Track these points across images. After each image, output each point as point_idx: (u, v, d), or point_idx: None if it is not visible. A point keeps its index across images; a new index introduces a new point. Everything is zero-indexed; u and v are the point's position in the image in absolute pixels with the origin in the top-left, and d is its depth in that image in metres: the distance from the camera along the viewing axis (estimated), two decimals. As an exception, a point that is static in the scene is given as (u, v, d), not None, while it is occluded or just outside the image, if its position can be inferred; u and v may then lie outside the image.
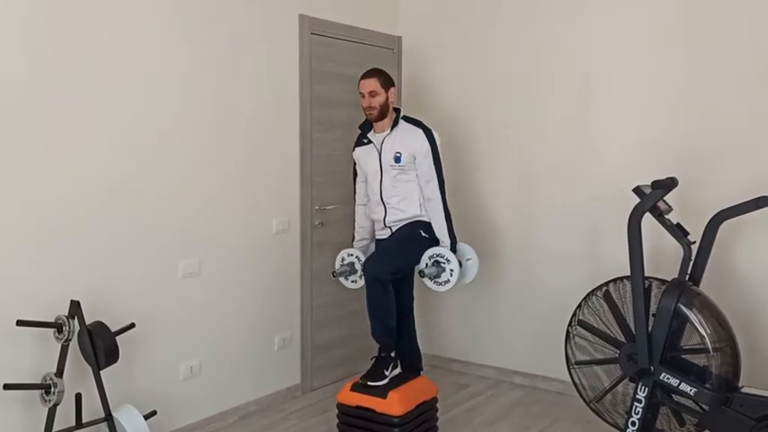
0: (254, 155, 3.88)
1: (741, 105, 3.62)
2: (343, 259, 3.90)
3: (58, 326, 2.92)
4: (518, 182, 4.39)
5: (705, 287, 3.28)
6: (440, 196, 3.62)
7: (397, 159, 3.60)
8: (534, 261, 4.34)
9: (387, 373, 3.53)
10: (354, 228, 3.91)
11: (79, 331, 2.96)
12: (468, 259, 3.72)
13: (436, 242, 3.62)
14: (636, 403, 3.21)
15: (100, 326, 3.00)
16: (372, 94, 3.60)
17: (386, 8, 4.75)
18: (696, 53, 3.74)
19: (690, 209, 3.56)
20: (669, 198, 3.28)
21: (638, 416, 3.19)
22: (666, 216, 3.29)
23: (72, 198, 3.09)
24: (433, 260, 3.59)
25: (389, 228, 3.69)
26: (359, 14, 4.49)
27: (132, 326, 3.15)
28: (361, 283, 3.80)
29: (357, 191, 3.89)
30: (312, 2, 4.16)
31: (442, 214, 3.61)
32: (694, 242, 3.24)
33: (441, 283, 3.59)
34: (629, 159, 3.95)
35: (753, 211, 3.12)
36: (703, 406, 3.10)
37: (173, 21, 3.44)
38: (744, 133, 3.61)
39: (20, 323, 2.82)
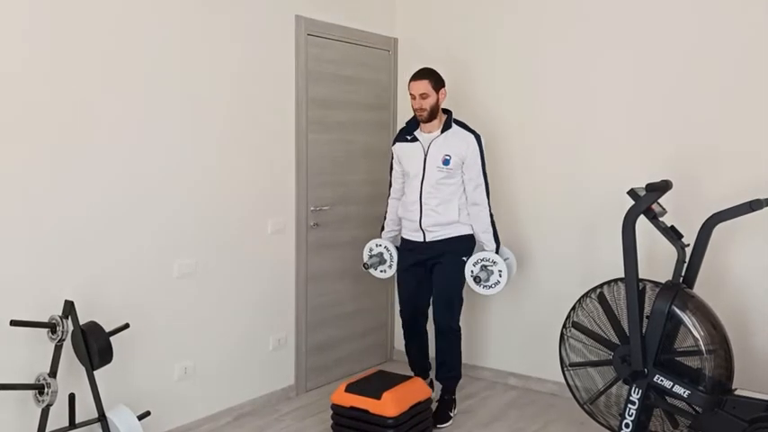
0: (250, 155, 3.88)
1: (736, 108, 3.63)
2: (371, 249, 3.98)
3: (51, 326, 2.92)
4: (513, 183, 4.39)
5: (699, 290, 3.29)
6: (486, 201, 3.71)
7: (446, 162, 3.62)
8: (529, 263, 4.34)
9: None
10: (385, 219, 4.00)
11: (73, 331, 2.96)
12: (506, 259, 3.79)
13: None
14: (629, 405, 3.21)
15: (94, 326, 3.00)
16: (423, 96, 3.62)
17: (382, 10, 4.75)
18: (691, 56, 3.74)
19: (684, 211, 3.57)
20: (663, 200, 3.29)
21: (632, 418, 3.20)
22: (661, 218, 3.30)
23: (66, 198, 3.08)
24: (479, 265, 3.67)
25: (423, 231, 3.72)
26: (355, 16, 4.50)
27: (126, 326, 3.14)
28: (391, 272, 3.99)
29: (393, 184, 3.93)
30: (309, 3, 4.16)
31: (488, 219, 3.70)
32: (688, 245, 3.25)
33: (491, 286, 3.68)
34: (623, 162, 3.95)
35: (746, 213, 3.13)
36: (697, 408, 3.11)
37: (168, 22, 3.44)
38: (738, 136, 3.62)
39: (13, 323, 2.82)
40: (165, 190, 3.47)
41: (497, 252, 3.72)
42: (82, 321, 3.00)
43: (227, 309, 3.81)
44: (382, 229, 4.05)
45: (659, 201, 3.25)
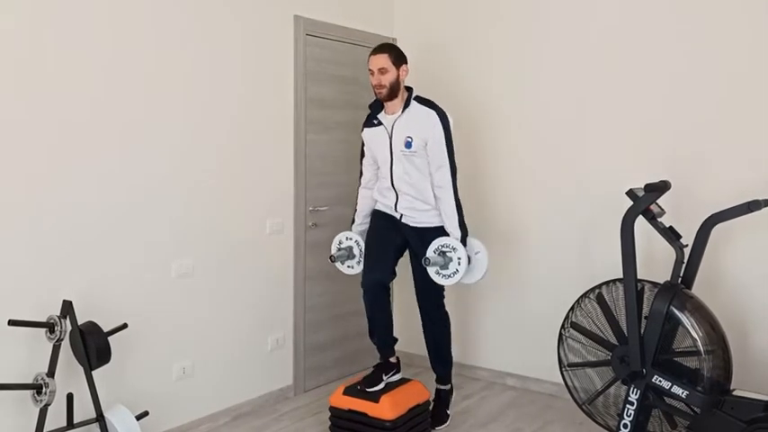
0: (247, 156, 3.88)
1: (735, 109, 3.63)
2: (340, 242, 3.77)
3: (49, 326, 2.91)
4: (510, 184, 4.40)
5: (697, 290, 3.29)
6: (451, 184, 3.41)
7: (408, 145, 3.38)
8: (527, 263, 4.35)
9: (384, 378, 3.54)
10: (355, 211, 3.77)
11: (71, 331, 2.95)
12: (477, 252, 3.50)
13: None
14: (628, 405, 3.22)
15: (92, 326, 2.99)
16: (382, 71, 3.39)
17: (381, 10, 4.75)
18: (690, 57, 3.75)
19: (682, 212, 3.57)
20: (662, 201, 3.30)
21: (630, 418, 3.20)
22: (659, 219, 3.30)
23: (65, 199, 3.08)
24: (438, 251, 3.39)
25: (402, 214, 3.54)
26: (354, 16, 4.50)
27: (125, 326, 3.13)
28: (358, 269, 3.73)
29: (363, 173, 3.71)
30: (307, 3, 4.16)
31: (453, 203, 3.41)
32: (687, 245, 3.25)
33: (449, 276, 3.40)
34: (622, 162, 3.96)
35: (745, 214, 3.13)
36: (695, 408, 3.11)
37: (167, 22, 3.43)
38: (737, 137, 3.63)
39: (11, 323, 2.81)
40: (163, 190, 3.46)
41: (463, 242, 3.41)
42: (80, 321, 2.99)
43: (225, 309, 3.81)
44: (353, 222, 3.79)
45: (658, 201, 3.26)
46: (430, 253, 3.43)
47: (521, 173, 4.36)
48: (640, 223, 3.25)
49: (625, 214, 3.24)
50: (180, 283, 3.57)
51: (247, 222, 3.90)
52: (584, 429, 3.73)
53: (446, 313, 3.78)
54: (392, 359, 3.65)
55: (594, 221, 4.06)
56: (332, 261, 3.76)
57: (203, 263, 3.67)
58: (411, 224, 3.57)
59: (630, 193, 3.27)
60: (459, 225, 3.44)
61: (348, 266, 3.78)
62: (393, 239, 3.62)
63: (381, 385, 3.49)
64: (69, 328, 2.94)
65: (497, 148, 4.44)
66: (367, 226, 3.74)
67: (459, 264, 3.37)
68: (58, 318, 2.91)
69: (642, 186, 3.25)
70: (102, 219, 3.22)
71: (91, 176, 3.17)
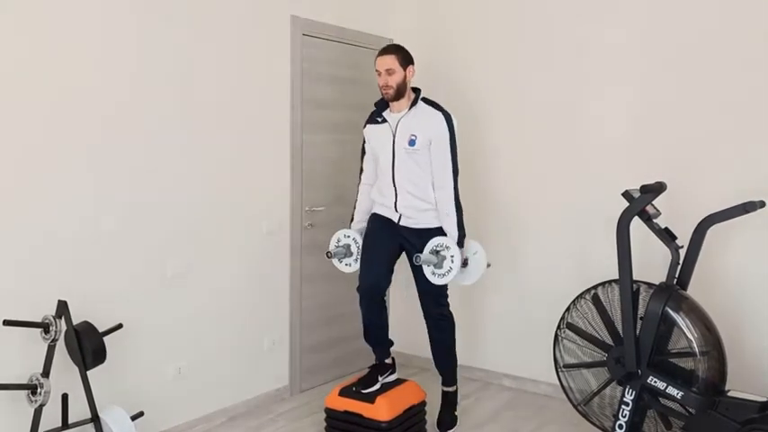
0: (244, 156, 3.87)
1: (731, 110, 3.64)
2: (338, 240, 3.75)
3: (44, 326, 2.90)
4: (507, 185, 4.40)
5: (692, 291, 3.30)
6: (452, 185, 3.45)
7: (412, 143, 3.42)
8: (523, 264, 4.35)
9: (380, 379, 3.54)
10: (355, 208, 3.77)
11: (66, 331, 2.95)
12: (474, 253, 3.53)
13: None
14: (623, 406, 3.22)
15: (87, 326, 2.98)
16: (390, 72, 3.43)
17: (378, 10, 4.75)
18: (688, 58, 3.75)
19: (678, 213, 3.57)
20: (658, 202, 3.30)
21: (626, 419, 3.21)
22: (655, 220, 3.30)
23: (60, 199, 3.07)
24: (432, 250, 3.41)
25: (399, 214, 3.54)
26: (351, 16, 4.50)
27: (120, 326, 3.13)
28: (355, 267, 3.72)
29: (364, 169, 3.73)
30: (304, 3, 4.16)
31: (452, 204, 3.44)
32: (682, 246, 3.26)
33: (442, 275, 3.40)
34: (618, 163, 3.96)
35: (740, 215, 3.14)
36: (690, 409, 3.12)
37: (162, 21, 3.43)
38: (732, 138, 3.64)
39: (6, 323, 2.80)
40: (159, 190, 3.46)
41: (460, 243, 3.43)
42: (75, 321, 2.99)
43: (221, 309, 3.80)
44: (351, 219, 3.79)
45: (654, 202, 3.26)
46: (424, 252, 3.43)
47: (517, 173, 4.36)
48: (636, 224, 3.26)
49: (621, 215, 3.24)
50: (175, 283, 3.56)
51: (243, 222, 3.90)
52: (580, 430, 3.73)
53: (450, 314, 3.74)
54: (387, 360, 3.66)
55: (590, 222, 4.07)
56: (328, 257, 3.73)
57: (199, 263, 3.67)
58: (411, 226, 3.55)
59: (626, 195, 3.27)
60: (458, 225, 3.46)
61: (346, 264, 3.76)
62: (389, 245, 3.62)
63: (377, 386, 3.50)
64: (64, 328, 2.94)
65: (493, 149, 4.44)
66: (365, 224, 3.73)
67: (452, 262, 3.37)
68: (53, 318, 2.91)
69: (638, 188, 3.25)
70: (97, 219, 3.21)
71: (86, 177, 3.16)
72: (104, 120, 3.21)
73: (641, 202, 3.21)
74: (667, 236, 3.27)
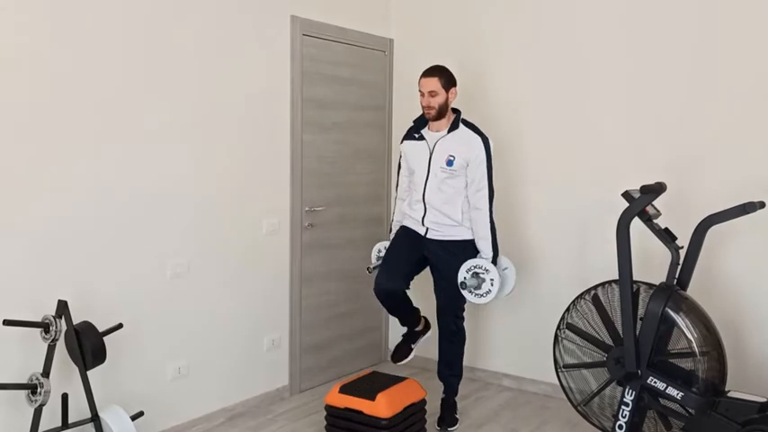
0: (244, 156, 3.87)
1: (730, 111, 3.64)
2: (379, 251, 3.91)
3: (44, 325, 2.90)
4: (507, 185, 4.40)
5: (692, 292, 3.30)
6: (488, 206, 3.58)
7: (450, 163, 3.54)
8: (523, 264, 4.34)
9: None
10: (393, 221, 3.91)
11: (66, 331, 2.95)
12: (505, 269, 3.72)
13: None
14: (623, 407, 3.22)
15: (87, 326, 2.99)
16: (432, 93, 3.54)
17: (378, 10, 4.75)
18: (688, 59, 3.76)
19: (678, 214, 3.58)
20: (658, 203, 3.30)
21: (625, 419, 3.21)
22: (655, 221, 3.30)
23: (60, 198, 3.07)
24: (471, 272, 3.56)
25: (426, 228, 3.67)
26: (351, 16, 4.50)
27: (120, 326, 3.13)
28: None
29: (400, 184, 3.85)
30: (304, 3, 4.16)
31: (488, 226, 3.58)
32: (682, 247, 3.26)
33: (482, 295, 3.57)
34: (618, 164, 3.97)
35: (740, 216, 3.14)
36: (690, 410, 3.12)
37: (163, 22, 3.43)
38: (732, 139, 3.64)
39: (6, 322, 2.80)
40: (158, 190, 3.46)
41: (494, 261, 3.60)
42: (75, 321, 2.99)
43: (221, 309, 3.81)
44: (389, 231, 3.95)
45: (654, 203, 3.26)
46: (463, 275, 3.57)
47: (517, 175, 4.36)
48: (636, 225, 3.26)
49: (621, 216, 3.24)
50: (175, 283, 3.56)
51: (243, 222, 3.90)
52: (580, 430, 3.74)
53: (463, 329, 3.86)
54: (418, 328, 3.88)
55: (590, 223, 4.07)
56: (369, 272, 3.84)
57: (199, 263, 3.67)
58: (437, 238, 3.67)
59: (626, 195, 3.27)
60: (493, 246, 3.61)
61: None
62: (413, 253, 3.72)
63: (411, 356, 3.85)
64: (64, 327, 2.94)
65: (494, 150, 4.42)
66: None
67: (491, 285, 3.55)
68: (53, 318, 2.91)
69: (638, 188, 3.25)
70: (96, 218, 3.21)
71: (86, 177, 3.16)
72: (104, 120, 3.21)
73: (641, 202, 3.21)
74: (667, 236, 3.27)
